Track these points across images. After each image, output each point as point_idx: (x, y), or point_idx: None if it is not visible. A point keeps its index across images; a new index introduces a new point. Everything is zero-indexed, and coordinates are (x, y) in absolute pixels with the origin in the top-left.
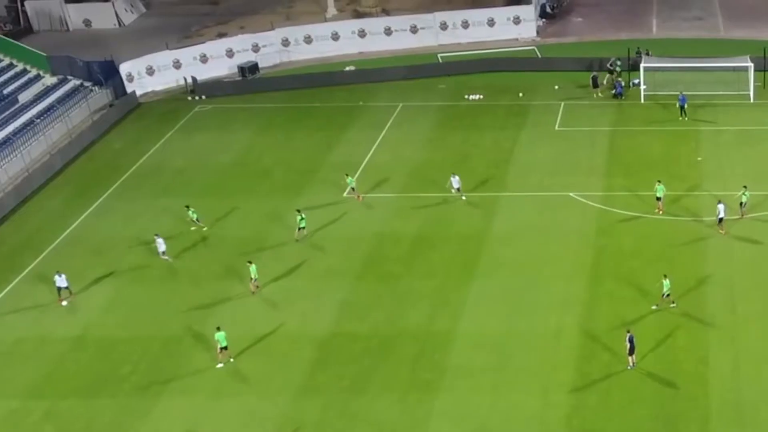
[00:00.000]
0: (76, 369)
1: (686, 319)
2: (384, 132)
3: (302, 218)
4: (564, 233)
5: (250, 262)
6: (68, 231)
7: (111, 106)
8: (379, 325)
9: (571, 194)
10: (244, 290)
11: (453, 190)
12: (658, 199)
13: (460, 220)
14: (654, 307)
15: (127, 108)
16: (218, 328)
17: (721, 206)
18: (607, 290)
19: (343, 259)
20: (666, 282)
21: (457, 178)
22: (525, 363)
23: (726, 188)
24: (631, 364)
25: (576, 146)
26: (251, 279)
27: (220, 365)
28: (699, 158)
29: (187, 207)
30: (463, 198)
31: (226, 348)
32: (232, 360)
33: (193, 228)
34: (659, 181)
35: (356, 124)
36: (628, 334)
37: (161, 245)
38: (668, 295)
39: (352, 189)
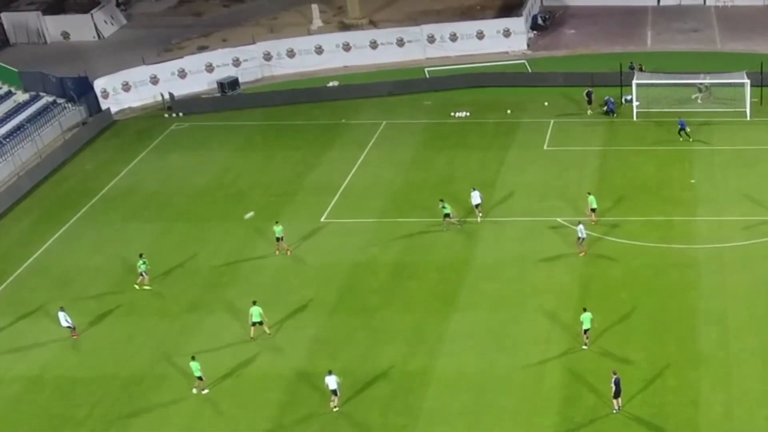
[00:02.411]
0: (32, 412)
1: (676, 357)
2: (366, 152)
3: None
4: (550, 262)
5: (255, 303)
6: (31, 259)
7: (84, 124)
8: (351, 364)
9: (558, 219)
10: (213, 323)
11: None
12: (593, 210)
13: (442, 248)
14: (585, 346)
15: (100, 126)
16: (193, 357)
17: (581, 227)
18: (594, 325)
19: (318, 289)
20: (587, 315)
21: (477, 192)
22: (504, 406)
23: (721, 213)
24: (616, 407)
25: (565, 168)
26: (255, 323)
27: (194, 390)
28: (692, 180)
29: (141, 256)
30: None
31: (200, 378)
32: (205, 391)
33: (136, 285)
34: (589, 193)
35: (338, 143)
36: (614, 376)
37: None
38: (587, 331)
39: (278, 239)
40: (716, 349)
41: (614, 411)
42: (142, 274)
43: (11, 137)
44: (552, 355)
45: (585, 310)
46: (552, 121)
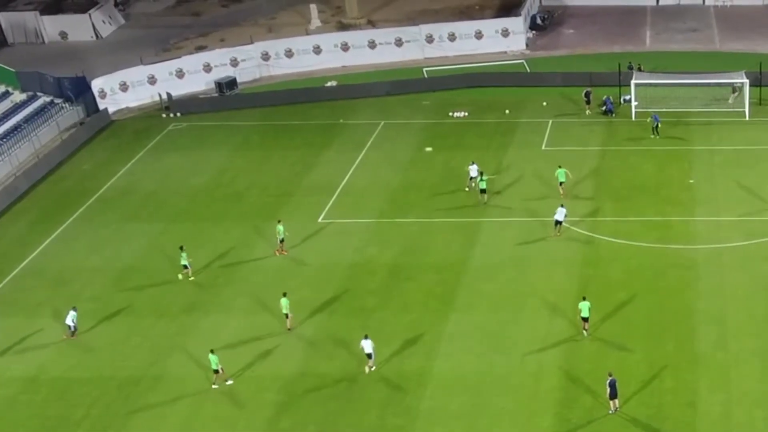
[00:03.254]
0: (28, 413)
1: (674, 357)
2: (364, 152)
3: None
4: (548, 263)
5: (285, 294)
6: (28, 260)
7: (81, 124)
8: (348, 365)
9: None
10: (210, 324)
11: (469, 179)
12: (561, 184)
13: (439, 249)
14: (585, 333)
15: (98, 126)
16: (211, 351)
17: (562, 210)
18: (592, 326)
19: (315, 291)
20: (585, 304)
21: (474, 166)
22: (502, 407)
23: (719, 213)
24: (612, 408)
25: (564, 168)
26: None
27: (214, 386)
28: (691, 180)
29: (181, 248)
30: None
31: (217, 372)
32: (229, 382)
33: (180, 275)
34: (560, 166)
35: (336, 144)
36: (610, 378)
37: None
38: (586, 319)
39: (280, 241)
40: (715, 349)
41: (610, 412)
42: (185, 266)
43: (8, 137)
44: (550, 356)
45: (584, 298)
46: (550, 121)
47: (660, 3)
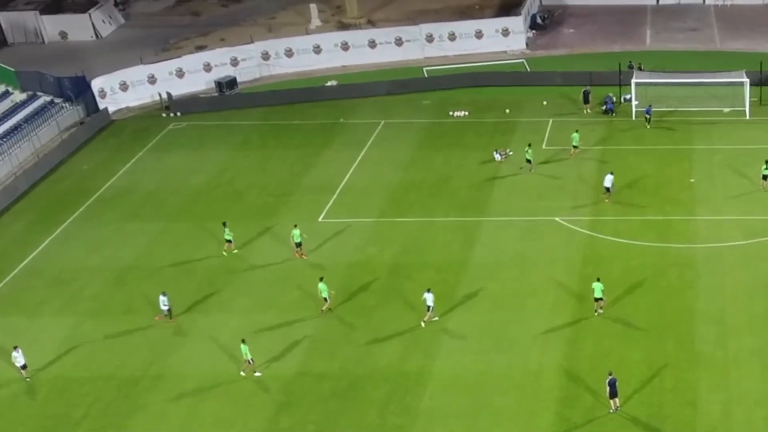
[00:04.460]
0: (28, 413)
1: (674, 357)
2: (364, 151)
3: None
4: (548, 262)
5: (322, 279)
6: (28, 260)
7: (81, 123)
8: (348, 364)
9: (557, 219)
10: (209, 324)
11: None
12: (528, 161)
13: (440, 248)
14: (598, 313)
15: (98, 126)
16: (243, 341)
17: (609, 177)
18: (592, 325)
19: (315, 290)
20: (598, 285)
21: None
22: (502, 406)
23: (720, 212)
24: (613, 407)
25: (563, 167)
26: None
27: (242, 373)
28: (692, 179)
29: (224, 224)
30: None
31: (249, 362)
32: (257, 374)
33: (224, 251)
34: (529, 144)
35: (336, 143)
36: (609, 377)
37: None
38: (600, 299)
39: (297, 245)
40: (715, 349)
41: (611, 411)
42: (229, 241)
43: (8, 137)
44: (550, 355)
45: (598, 279)
46: (551, 121)
47: (660, 2)
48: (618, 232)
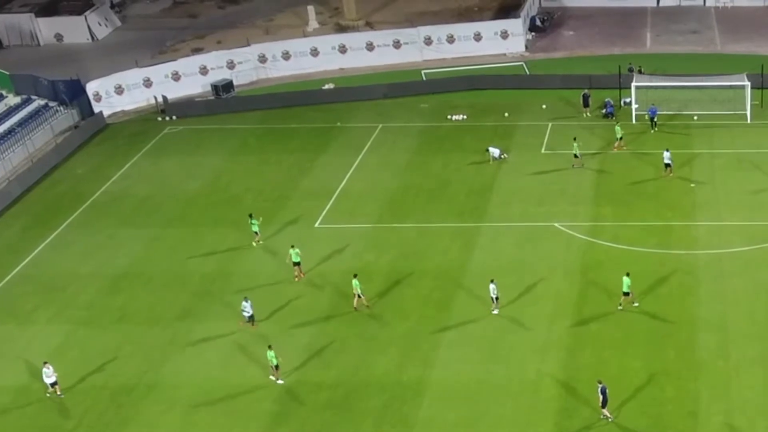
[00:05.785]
0: (19, 423)
1: (675, 365)
2: (361, 156)
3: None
4: (547, 268)
5: (356, 276)
6: (21, 266)
7: (76, 127)
8: (345, 374)
9: (556, 224)
10: (204, 332)
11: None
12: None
13: (437, 254)
14: (619, 308)
15: (93, 130)
16: (269, 347)
17: (667, 153)
18: (592, 333)
19: (311, 297)
20: (626, 279)
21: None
22: (500, 417)
23: (721, 218)
24: (605, 416)
25: (563, 171)
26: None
27: (278, 381)
28: (692, 184)
29: (250, 216)
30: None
31: (277, 367)
32: (280, 382)
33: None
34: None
35: (333, 147)
36: (600, 386)
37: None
38: (628, 293)
39: (295, 264)
40: (716, 357)
41: (602, 417)
42: (256, 233)
43: (2, 141)
44: (548, 365)
45: (627, 274)
46: (550, 124)
47: (660, 4)
48: (618, 237)
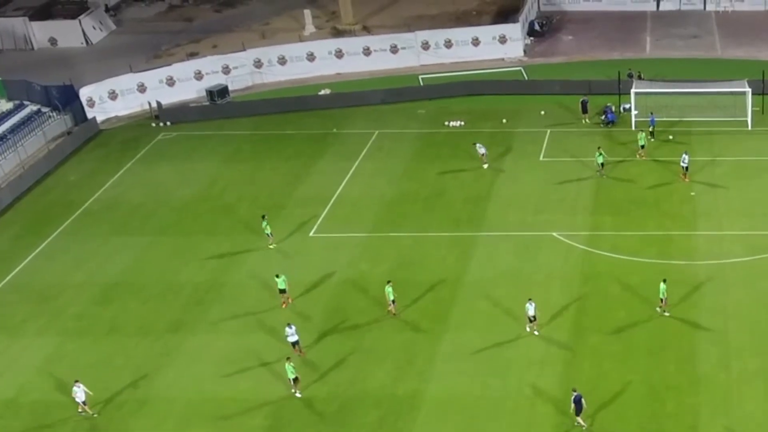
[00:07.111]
0: None
1: (675, 379)
2: (357, 163)
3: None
4: (545, 279)
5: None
6: (11, 275)
7: (69, 133)
8: (339, 387)
9: (554, 234)
10: (195, 344)
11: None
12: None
13: (434, 264)
14: (658, 310)
15: (86, 136)
16: (288, 358)
17: (686, 156)
18: (590, 345)
19: (305, 309)
20: (663, 286)
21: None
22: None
23: (721, 227)
24: (579, 424)
25: (561, 179)
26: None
27: (297, 394)
28: (692, 193)
29: (263, 217)
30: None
31: (296, 380)
32: (298, 395)
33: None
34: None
35: (328, 154)
36: (574, 394)
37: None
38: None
39: (281, 292)
40: (717, 370)
41: (576, 425)
42: (268, 235)
43: None
44: (546, 378)
45: (664, 281)
46: (548, 131)
47: (660, 9)
48: (617, 247)
